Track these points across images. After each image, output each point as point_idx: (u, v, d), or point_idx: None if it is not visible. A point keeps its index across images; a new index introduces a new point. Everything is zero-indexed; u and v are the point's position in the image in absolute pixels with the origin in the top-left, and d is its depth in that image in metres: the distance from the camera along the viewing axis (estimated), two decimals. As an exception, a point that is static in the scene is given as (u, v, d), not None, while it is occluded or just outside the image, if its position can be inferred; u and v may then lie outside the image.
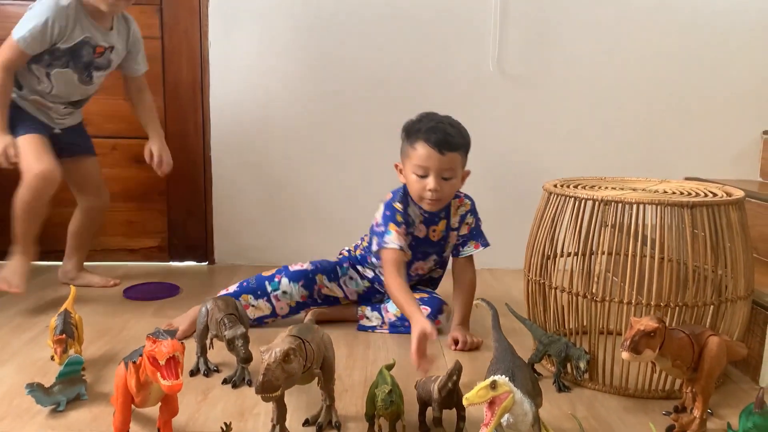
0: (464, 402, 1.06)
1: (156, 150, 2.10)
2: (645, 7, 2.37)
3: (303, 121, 2.41)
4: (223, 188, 2.46)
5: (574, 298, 1.46)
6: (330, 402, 1.27)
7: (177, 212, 2.48)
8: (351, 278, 1.88)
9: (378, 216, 1.74)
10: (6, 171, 1.90)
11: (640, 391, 1.43)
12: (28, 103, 1.95)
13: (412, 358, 1.37)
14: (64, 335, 1.45)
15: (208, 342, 1.50)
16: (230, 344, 1.41)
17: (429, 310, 1.76)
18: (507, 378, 1.09)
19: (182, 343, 1.07)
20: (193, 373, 1.49)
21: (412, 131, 1.67)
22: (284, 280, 1.80)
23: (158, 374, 1.00)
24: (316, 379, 1.24)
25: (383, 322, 1.81)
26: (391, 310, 1.80)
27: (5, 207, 1.89)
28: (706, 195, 1.46)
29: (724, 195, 1.47)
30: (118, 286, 2.17)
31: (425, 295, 1.81)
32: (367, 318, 1.83)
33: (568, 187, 1.54)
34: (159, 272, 2.38)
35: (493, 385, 1.05)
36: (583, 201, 1.44)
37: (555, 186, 1.54)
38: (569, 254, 1.50)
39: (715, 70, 2.41)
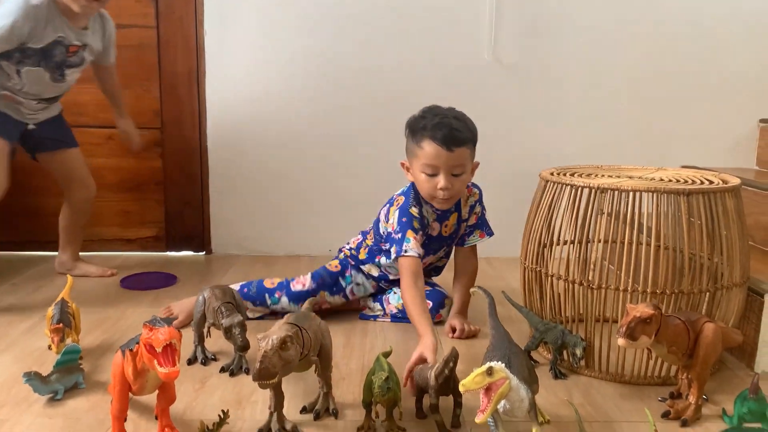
0: (461, 388, 1.06)
1: (126, 127, 2.15)
2: (642, -5, 2.36)
3: (300, 110, 2.40)
4: (220, 178, 2.46)
5: (571, 285, 1.46)
6: (327, 389, 1.27)
7: (174, 202, 2.48)
8: (358, 284, 1.83)
9: (393, 222, 1.67)
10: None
11: (636, 377, 1.43)
12: None
13: (403, 376, 1.32)
14: (61, 324, 1.46)
15: (205, 331, 1.51)
16: (227, 332, 1.41)
17: (431, 303, 1.76)
18: (503, 364, 1.09)
19: (179, 330, 1.07)
20: (191, 361, 1.49)
21: (417, 129, 1.61)
22: (284, 299, 1.77)
23: (155, 362, 1.00)
24: (314, 366, 1.24)
25: (385, 313, 1.82)
26: (392, 302, 1.79)
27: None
28: (702, 182, 1.46)
29: (721, 182, 1.47)
30: (115, 276, 2.17)
31: (428, 288, 1.81)
32: (369, 308, 1.84)
33: (565, 175, 1.54)
34: (156, 262, 2.37)
35: (490, 372, 1.05)
36: (580, 189, 1.44)
37: (552, 174, 1.54)
38: (566, 242, 1.50)
39: (711, 58, 2.40)
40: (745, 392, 1.17)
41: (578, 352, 1.43)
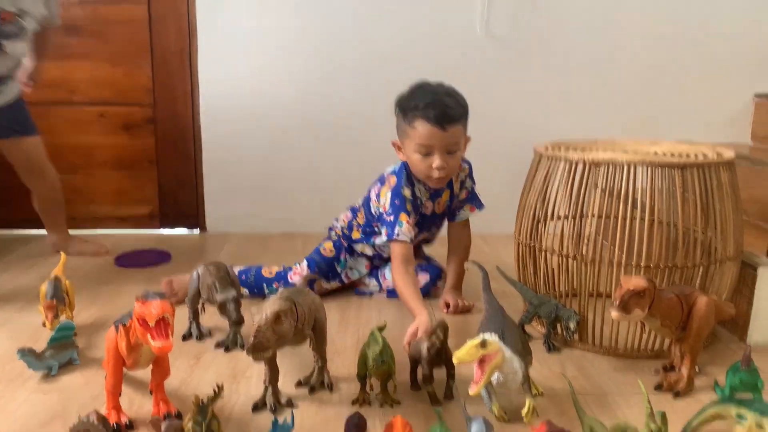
0: (454, 360, 1.07)
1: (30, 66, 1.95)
2: (638, -32, 2.34)
3: (293, 87, 2.38)
4: (213, 155, 2.44)
5: (565, 260, 1.46)
6: (322, 363, 1.27)
7: (167, 180, 2.46)
8: (351, 268, 1.82)
9: (385, 203, 1.64)
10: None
11: (629, 350, 1.44)
12: None
13: (403, 345, 1.34)
14: (54, 301, 1.46)
15: (199, 307, 1.51)
16: (222, 307, 1.41)
17: (428, 277, 1.76)
18: (497, 337, 1.10)
19: (172, 304, 1.07)
20: (186, 337, 1.50)
21: (408, 108, 1.57)
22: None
23: (148, 335, 1.00)
24: (309, 340, 1.24)
25: (381, 288, 1.82)
26: (388, 277, 1.79)
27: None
28: (697, 156, 1.46)
29: (715, 156, 1.46)
30: (110, 254, 2.16)
31: (423, 261, 1.80)
32: (365, 284, 1.84)
33: (560, 149, 1.53)
34: (150, 240, 2.37)
35: (483, 344, 1.06)
36: (574, 163, 1.44)
37: (546, 149, 1.54)
38: (560, 217, 1.50)
39: (706, 32, 2.38)
40: (737, 364, 1.18)
41: (572, 325, 1.44)
